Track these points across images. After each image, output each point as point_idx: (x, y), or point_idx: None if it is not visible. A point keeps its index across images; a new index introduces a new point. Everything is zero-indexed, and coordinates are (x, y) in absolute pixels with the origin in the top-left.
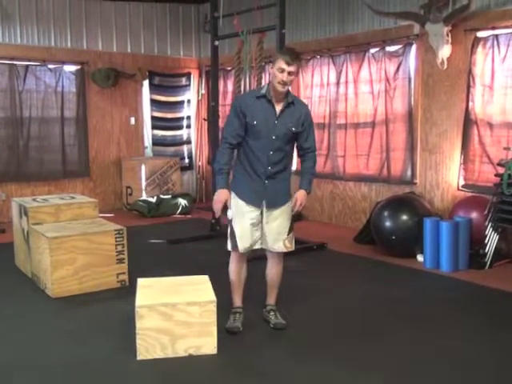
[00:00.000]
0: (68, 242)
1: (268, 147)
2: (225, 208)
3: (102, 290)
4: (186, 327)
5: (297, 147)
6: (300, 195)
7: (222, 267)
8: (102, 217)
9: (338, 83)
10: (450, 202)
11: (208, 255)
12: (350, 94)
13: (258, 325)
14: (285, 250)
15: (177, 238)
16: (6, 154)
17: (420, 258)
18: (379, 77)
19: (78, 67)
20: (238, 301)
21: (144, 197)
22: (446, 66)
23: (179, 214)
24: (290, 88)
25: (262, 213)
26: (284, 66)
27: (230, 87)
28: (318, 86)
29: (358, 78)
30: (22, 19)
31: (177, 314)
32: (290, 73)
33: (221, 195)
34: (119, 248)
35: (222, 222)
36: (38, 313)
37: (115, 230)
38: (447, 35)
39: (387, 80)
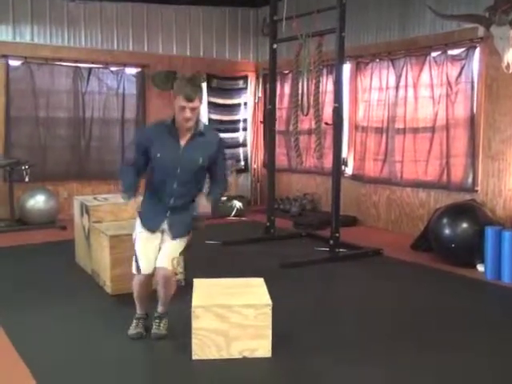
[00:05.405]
0: (127, 241)
1: (172, 180)
2: None
3: None
4: (241, 329)
5: (208, 175)
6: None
7: (277, 270)
8: None
9: (397, 87)
10: None
11: (262, 257)
12: (409, 98)
13: (313, 327)
14: (169, 268)
15: (232, 240)
16: (69, 154)
17: (480, 267)
18: (440, 81)
19: (139, 70)
20: (142, 309)
21: None
22: (511, 70)
23: (234, 216)
24: (199, 118)
25: (162, 235)
26: (184, 103)
27: (287, 90)
28: (377, 90)
29: (418, 82)
30: (86, 23)
31: (232, 315)
32: (193, 108)
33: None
34: None
35: (276, 225)
36: (97, 309)
37: None
38: None
39: (449, 84)
